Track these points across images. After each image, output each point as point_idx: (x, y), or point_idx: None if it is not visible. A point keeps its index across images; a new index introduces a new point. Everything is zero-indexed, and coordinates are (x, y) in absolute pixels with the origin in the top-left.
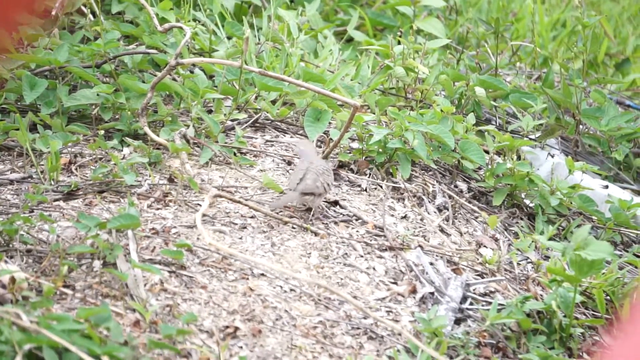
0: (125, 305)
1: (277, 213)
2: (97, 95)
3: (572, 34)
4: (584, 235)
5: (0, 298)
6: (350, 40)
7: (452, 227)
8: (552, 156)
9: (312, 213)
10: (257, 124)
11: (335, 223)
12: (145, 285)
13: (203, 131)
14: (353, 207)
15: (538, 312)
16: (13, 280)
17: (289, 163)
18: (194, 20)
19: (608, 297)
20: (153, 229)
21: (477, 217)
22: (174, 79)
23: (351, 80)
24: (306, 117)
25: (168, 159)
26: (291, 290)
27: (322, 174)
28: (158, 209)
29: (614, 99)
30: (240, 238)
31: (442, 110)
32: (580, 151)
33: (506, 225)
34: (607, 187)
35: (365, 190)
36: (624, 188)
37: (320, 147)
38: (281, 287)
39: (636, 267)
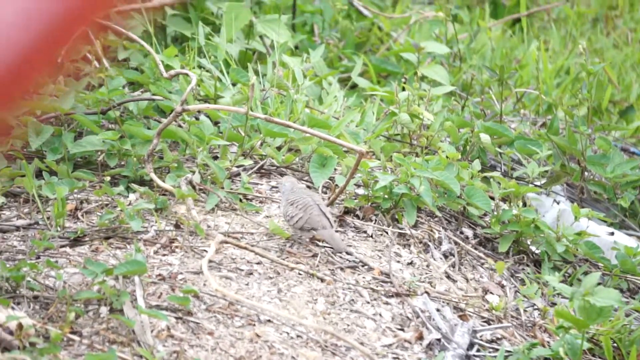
0: (132, 352)
1: (283, 259)
2: (103, 142)
3: (576, 80)
4: (593, 282)
5: (8, 344)
6: (354, 86)
7: (458, 274)
8: (558, 203)
9: (318, 258)
10: (263, 170)
11: (342, 269)
12: (152, 331)
13: (209, 177)
14: (359, 253)
15: (545, 359)
16: (20, 326)
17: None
18: (199, 67)
19: (615, 345)
20: (160, 275)
21: (483, 264)
22: (180, 126)
23: (356, 126)
24: (312, 163)
25: (174, 205)
26: (298, 336)
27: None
28: (164, 255)
29: (618, 146)
30: (247, 284)
31: (447, 157)
32: (586, 198)
33: (512, 271)
34: (613, 234)
35: (371, 236)
36: (630, 235)
37: (325, 193)
38: (288, 333)
39: None
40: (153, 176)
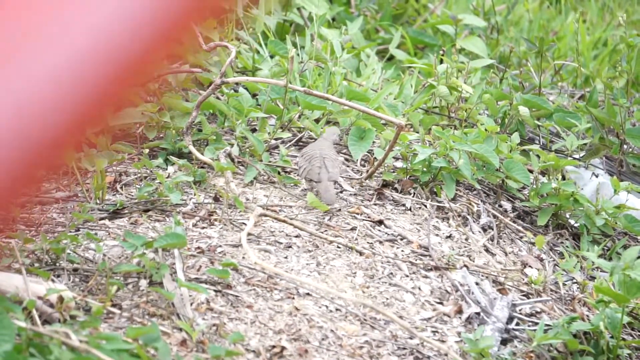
0: (172, 325)
1: (322, 232)
2: (142, 114)
3: (614, 52)
4: (633, 255)
5: (49, 317)
6: (391, 58)
7: (497, 247)
8: (597, 176)
9: (356, 232)
10: (301, 143)
11: (380, 242)
12: (191, 304)
13: (247, 150)
14: (398, 226)
15: (585, 333)
16: (61, 299)
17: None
18: (237, 39)
19: None
20: (199, 247)
21: (521, 237)
22: (218, 98)
23: (394, 99)
24: (350, 136)
25: (213, 178)
26: (337, 309)
27: (334, 160)
28: (203, 227)
29: None
30: (286, 257)
31: (486, 130)
32: (625, 171)
33: (551, 245)
34: None
35: (410, 209)
36: None
37: (364, 166)
38: (327, 306)
39: None
40: (192, 149)
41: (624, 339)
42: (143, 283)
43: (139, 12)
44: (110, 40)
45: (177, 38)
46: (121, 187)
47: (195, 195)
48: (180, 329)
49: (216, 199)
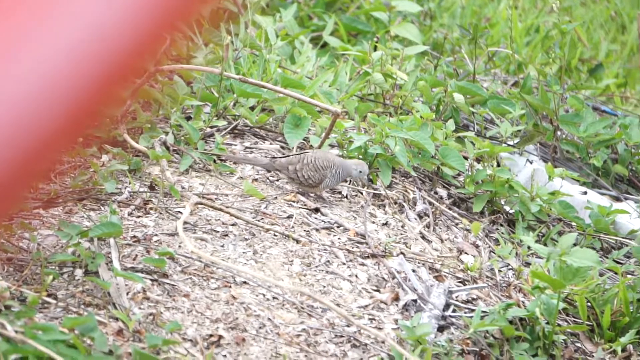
0: (108, 314)
1: (258, 221)
2: None
3: (546, 39)
4: (569, 242)
5: None
6: (325, 46)
7: (433, 234)
8: (531, 162)
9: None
10: (236, 131)
11: (317, 230)
12: (127, 293)
13: (182, 138)
14: (334, 214)
15: (521, 319)
16: None
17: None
18: None
19: (589, 304)
20: (134, 236)
21: (457, 224)
22: (152, 86)
23: (329, 86)
24: (286, 124)
25: (148, 166)
26: (274, 298)
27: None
28: (139, 216)
29: (589, 105)
30: (222, 246)
31: (421, 117)
32: (559, 157)
33: (487, 231)
34: (586, 193)
35: (346, 197)
36: (603, 194)
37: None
38: (264, 295)
39: (616, 274)
40: (126, 137)
41: (559, 325)
42: (78, 272)
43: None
44: (101, 38)
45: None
46: (55, 176)
47: (130, 183)
48: (117, 319)
49: (152, 188)
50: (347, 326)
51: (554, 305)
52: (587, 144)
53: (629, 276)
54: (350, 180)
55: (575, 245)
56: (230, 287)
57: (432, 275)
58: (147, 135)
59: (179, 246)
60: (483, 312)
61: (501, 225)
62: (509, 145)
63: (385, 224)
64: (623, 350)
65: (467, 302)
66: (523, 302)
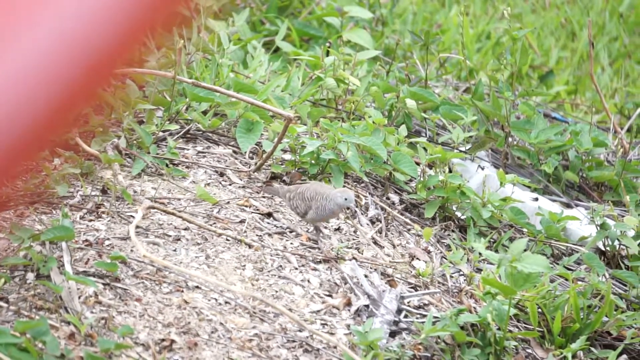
0: (60, 318)
1: (211, 225)
2: None
3: (497, 45)
4: (520, 248)
5: None
6: (277, 50)
7: (385, 239)
8: (483, 168)
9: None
10: (189, 135)
11: (269, 235)
12: (79, 297)
13: (135, 142)
14: (286, 219)
15: (472, 325)
16: None
17: (221, 174)
18: None
19: (540, 310)
20: (86, 240)
21: (409, 229)
22: (105, 90)
23: (282, 91)
24: (238, 128)
25: (100, 170)
26: (226, 302)
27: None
28: (91, 220)
29: (540, 112)
30: (174, 250)
31: (373, 122)
32: (510, 164)
33: (438, 237)
34: (537, 199)
35: None
36: (554, 200)
37: (252, 158)
38: (216, 299)
39: (567, 280)
40: (78, 140)
41: (510, 331)
42: (30, 276)
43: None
44: (76, 41)
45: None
46: (6, 179)
47: (82, 187)
48: (69, 323)
49: (104, 192)
50: (300, 331)
51: (505, 311)
52: (538, 151)
53: (579, 283)
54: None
55: (526, 251)
56: (182, 291)
57: (384, 280)
58: (100, 139)
59: (131, 250)
60: (435, 317)
61: (453, 231)
62: (460, 151)
63: (338, 229)
64: (573, 356)
65: (419, 307)
66: (475, 307)
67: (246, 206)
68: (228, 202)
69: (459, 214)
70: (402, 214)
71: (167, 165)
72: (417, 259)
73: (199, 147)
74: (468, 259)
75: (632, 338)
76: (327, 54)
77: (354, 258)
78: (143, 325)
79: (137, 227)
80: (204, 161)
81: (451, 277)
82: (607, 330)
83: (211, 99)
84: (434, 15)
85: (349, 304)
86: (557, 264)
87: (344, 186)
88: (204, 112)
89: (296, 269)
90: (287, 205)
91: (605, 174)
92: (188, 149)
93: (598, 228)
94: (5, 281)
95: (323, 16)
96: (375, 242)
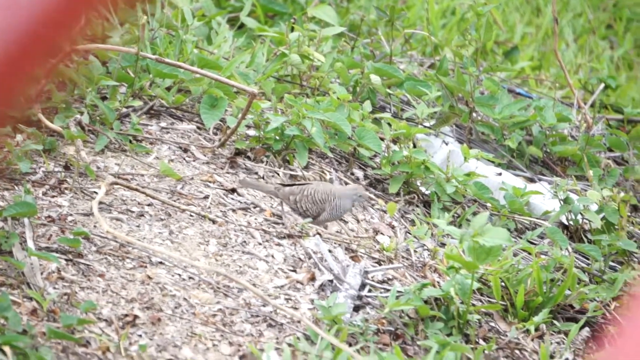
0: (22, 294)
1: (174, 201)
2: None
3: (462, 21)
4: (482, 222)
5: None
6: (242, 27)
7: (349, 215)
8: (447, 144)
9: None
10: (153, 111)
11: (233, 211)
12: (42, 273)
13: (98, 118)
14: (250, 194)
15: (436, 299)
16: None
17: (185, 150)
18: None
19: (503, 284)
20: (49, 216)
21: (373, 205)
22: (68, 66)
23: (246, 67)
24: (202, 104)
25: (63, 146)
26: (190, 278)
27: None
28: (54, 196)
29: (505, 87)
30: (138, 226)
31: (338, 98)
32: (474, 139)
33: (402, 212)
34: (500, 174)
35: (263, 177)
36: (517, 175)
37: (216, 134)
38: (180, 275)
39: (530, 254)
40: (41, 117)
41: (473, 305)
42: None
43: None
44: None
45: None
46: None
47: (45, 163)
48: (31, 298)
49: (66, 168)
50: (263, 306)
51: (468, 285)
52: (502, 126)
53: (542, 256)
54: (267, 161)
55: (488, 225)
56: (145, 267)
57: (348, 255)
58: (62, 115)
59: (94, 226)
60: (398, 292)
61: (417, 206)
62: (425, 126)
63: None
64: (536, 329)
65: (383, 282)
66: (438, 282)
67: (210, 182)
68: (192, 178)
69: (423, 189)
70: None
71: (130, 142)
72: (381, 234)
73: (163, 123)
74: (432, 234)
75: (594, 311)
76: (292, 30)
77: (318, 233)
78: (106, 300)
79: (100, 203)
80: (167, 137)
81: (415, 251)
82: (569, 303)
83: (175, 75)
84: None
85: (312, 279)
86: (521, 238)
87: (308, 162)
88: (168, 88)
89: (260, 244)
90: (287, 207)
91: (568, 148)
92: (152, 125)
93: (561, 202)
94: None
95: None
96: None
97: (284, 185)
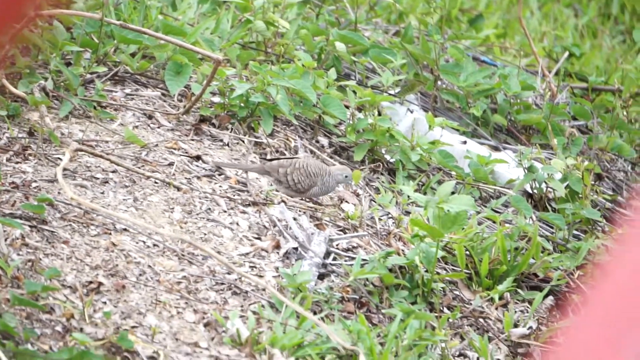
0: None
1: (139, 168)
2: None
3: None
4: (447, 190)
5: None
6: None
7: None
8: (412, 112)
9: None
10: (117, 77)
11: (198, 178)
12: (6, 239)
13: (62, 84)
14: (215, 161)
15: (400, 267)
16: None
17: (150, 117)
18: None
19: (468, 252)
20: (13, 183)
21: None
22: (32, 31)
23: (211, 34)
24: (167, 71)
25: (27, 112)
26: (154, 245)
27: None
28: (18, 162)
29: (470, 55)
30: (102, 193)
31: (303, 65)
32: (439, 107)
33: (367, 180)
34: (465, 142)
35: (227, 145)
36: (482, 144)
37: (181, 101)
38: (144, 242)
39: (494, 223)
40: (5, 82)
41: (438, 273)
42: None
43: None
44: None
45: None
46: None
47: (9, 129)
48: None
49: (30, 134)
50: (228, 274)
51: (433, 254)
52: (467, 94)
53: (507, 225)
54: (232, 129)
55: (454, 194)
56: (110, 234)
57: (313, 223)
58: (26, 81)
59: (59, 193)
60: (363, 260)
61: (382, 174)
62: (390, 94)
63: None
64: (500, 298)
65: (348, 250)
66: (403, 250)
67: (175, 149)
68: (156, 145)
69: (388, 157)
70: (331, 157)
71: (94, 108)
72: (346, 202)
73: (127, 89)
74: (397, 202)
75: (558, 280)
76: None
77: (282, 201)
78: (70, 267)
79: (65, 169)
80: (132, 104)
81: (380, 219)
82: (533, 272)
83: (139, 41)
84: None
85: (277, 246)
86: (485, 206)
87: (273, 129)
88: (132, 55)
89: (225, 211)
90: (278, 181)
91: (533, 117)
92: (116, 92)
93: (525, 171)
94: None
95: None
96: None
97: (269, 160)
